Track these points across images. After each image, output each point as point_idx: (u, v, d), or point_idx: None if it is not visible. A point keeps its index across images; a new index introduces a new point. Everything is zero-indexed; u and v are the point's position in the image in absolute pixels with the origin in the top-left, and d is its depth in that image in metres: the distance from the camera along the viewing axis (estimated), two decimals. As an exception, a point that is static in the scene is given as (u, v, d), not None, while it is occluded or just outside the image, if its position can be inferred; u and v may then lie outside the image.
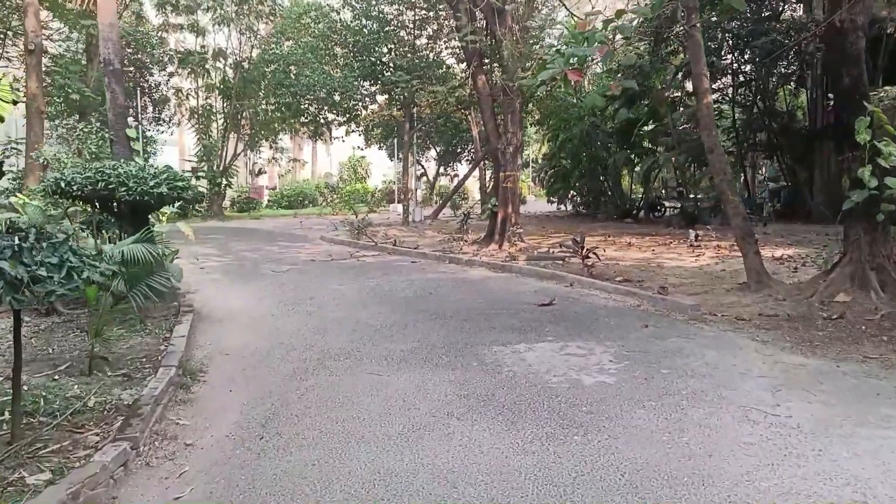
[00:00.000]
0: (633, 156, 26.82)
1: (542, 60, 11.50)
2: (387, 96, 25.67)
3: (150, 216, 10.01)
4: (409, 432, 4.98)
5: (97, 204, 8.94)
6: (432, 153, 53.79)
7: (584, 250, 12.22)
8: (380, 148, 50.41)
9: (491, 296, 10.63)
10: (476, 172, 37.63)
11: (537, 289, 11.13)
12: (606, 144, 28.55)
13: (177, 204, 11.34)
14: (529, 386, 6.00)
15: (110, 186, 8.19)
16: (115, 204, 8.84)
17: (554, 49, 9.32)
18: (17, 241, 4.44)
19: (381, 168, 57.29)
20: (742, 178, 26.67)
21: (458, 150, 50.14)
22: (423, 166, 53.48)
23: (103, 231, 10.63)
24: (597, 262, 12.27)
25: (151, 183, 8.60)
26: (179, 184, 8.80)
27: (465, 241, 19.08)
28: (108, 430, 4.93)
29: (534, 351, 7.19)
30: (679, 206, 26.37)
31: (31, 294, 4.37)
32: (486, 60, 18.27)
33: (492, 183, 32.86)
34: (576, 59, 8.44)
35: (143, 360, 6.84)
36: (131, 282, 6.91)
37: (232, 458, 4.62)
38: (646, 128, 26.46)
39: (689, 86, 26.78)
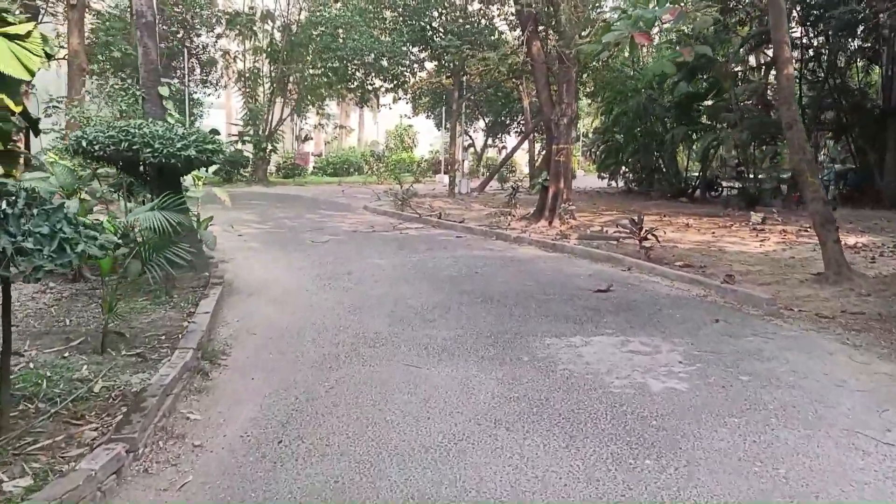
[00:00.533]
0: (691, 132, 25.48)
1: (604, 23, 10.58)
2: (436, 63, 24.76)
3: (181, 180, 9.41)
4: (449, 444, 4.27)
5: (122, 165, 8.34)
6: (480, 124, 52.78)
7: (643, 231, 11.32)
8: (427, 117, 49.56)
9: (542, 278, 9.82)
10: (525, 145, 36.55)
11: (592, 272, 10.28)
12: (663, 119, 27.24)
13: (212, 168, 10.79)
14: (588, 390, 5.24)
15: (134, 147, 7.57)
16: (141, 166, 8.24)
17: (619, 11, 8.36)
18: (3, 207, 3.82)
19: (427, 138, 56.49)
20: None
21: (507, 122, 49.01)
22: (470, 137, 52.45)
23: (134, 194, 10.12)
24: (655, 245, 11.36)
25: (179, 145, 7.96)
26: (209, 146, 8.16)
27: (514, 216, 18.27)
28: (108, 422, 4.32)
29: (591, 345, 6.41)
30: (738, 186, 25.09)
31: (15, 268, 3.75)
32: (542, 27, 17.24)
33: (542, 156, 31.85)
34: (644, 20, 7.57)
35: (163, 337, 6.25)
36: (150, 252, 6.30)
37: (243, 467, 3.97)
38: (706, 102, 25.12)
39: (752, 60, 25.44)
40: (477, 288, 8.96)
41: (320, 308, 7.89)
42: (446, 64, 24.76)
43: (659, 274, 10.10)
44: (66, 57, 18.59)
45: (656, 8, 7.81)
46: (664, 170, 30.17)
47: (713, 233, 15.28)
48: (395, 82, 23.90)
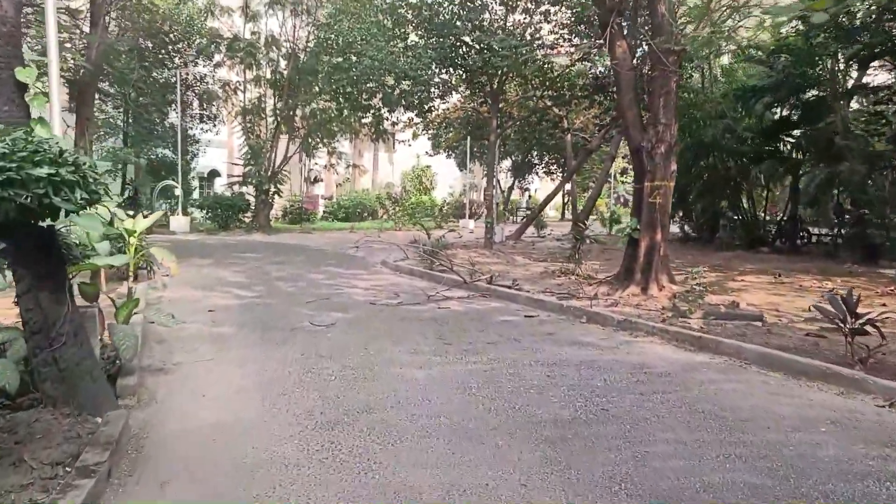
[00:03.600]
0: (778, 167, 21.01)
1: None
2: (466, 87, 20.63)
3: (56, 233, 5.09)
4: None
5: None
6: (505, 163, 48.66)
7: (855, 321, 6.77)
8: (448, 156, 45.56)
9: (751, 433, 5.01)
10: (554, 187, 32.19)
11: (833, 417, 5.51)
12: (739, 152, 22.82)
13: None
14: None
15: None
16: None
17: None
18: None
19: (446, 179, 52.45)
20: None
21: (535, 162, 44.91)
22: (496, 178, 48.26)
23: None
24: (884, 344, 6.81)
25: (38, 172, 3.69)
26: (63, 171, 3.80)
27: (581, 276, 13.86)
28: None
29: None
30: (835, 233, 20.62)
31: None
32: (623, 24, 13.02)
33: (584, 198, 27.20)
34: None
35: None
36: None
37: None
38: (794, 131, 20.81)
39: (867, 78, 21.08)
40: (648, 477, 4.36)
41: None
42: (479, 87, 20.60)
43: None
44: None
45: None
46: (732, 214, 25.75)
47: (875, 302, 10.75)
48: (419, 110, 19.82)
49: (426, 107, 19.71)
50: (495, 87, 19.53)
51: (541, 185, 67.45)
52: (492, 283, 12.08)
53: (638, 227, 12.11)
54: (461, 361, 6.96)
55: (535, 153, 41.19)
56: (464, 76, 20.04)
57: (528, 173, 46.77)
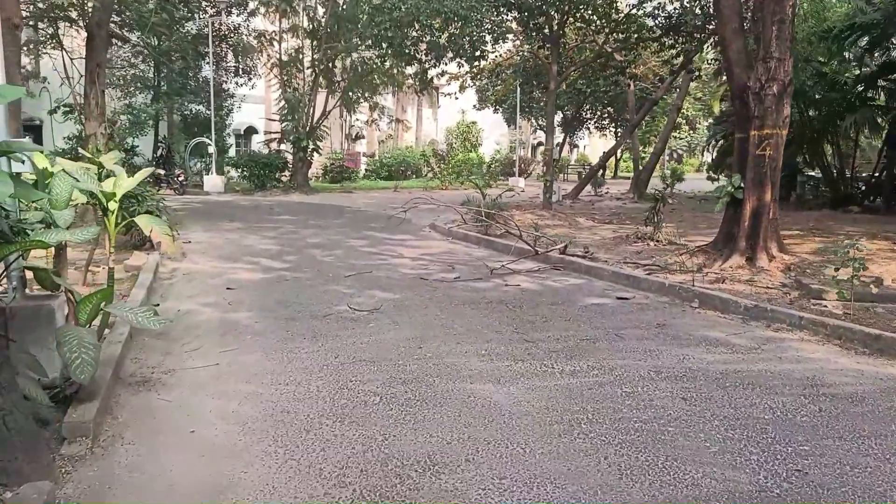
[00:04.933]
0: (878, 116, 18.34)
1: None
2: (522, 29, 18.33)
3: None
4: None
5: None
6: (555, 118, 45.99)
7: None
8: (495, 111, 43.13)
9: None
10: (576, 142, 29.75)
11: None
12: (827, 100, 20.17)
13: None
14: None
15: None
16: None
17: None
18: None
19: (491, 135, 50.05)
20: None
21: (587, 116, 42.25)
22: (545, 132, 45.56)
23: None
24: None
25: None
26: None
27: (671, 245, 11.83)
28: None
29: None
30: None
31: None
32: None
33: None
34: None
35: None
36: None
37: None
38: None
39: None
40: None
41: None
42: (536, 31, 18.32)
43: None
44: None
45: None
46: (812, 170, 23.24)
47: None
48: (469, 56, 17.58)
49: (477, 52, 17.56)
50: (554, 29, 17.25)
51: (589, 142, 64.49)
52: (566, 253, 10.06)
53: (742, 184, 9.99)
54: (552, 372, 5.04)
55: (588, 107, 38.50)
56: (519, 17, 17.78)
57: (579, 129, 44.11)
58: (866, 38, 17.47)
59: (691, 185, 34.14)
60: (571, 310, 7.06)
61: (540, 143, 58.19)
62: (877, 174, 21.90)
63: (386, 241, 12.69)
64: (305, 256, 10.80)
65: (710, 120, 36.29)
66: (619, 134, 44.32)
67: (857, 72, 18.62)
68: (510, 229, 11.32)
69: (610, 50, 18.62)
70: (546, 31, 17.78)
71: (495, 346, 5.68)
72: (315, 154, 28.72)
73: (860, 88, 18.82)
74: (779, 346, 5.73)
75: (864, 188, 21.69)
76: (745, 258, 9.54)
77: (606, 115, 41.80)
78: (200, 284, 8.57)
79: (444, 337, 6.00)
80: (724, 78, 25.24)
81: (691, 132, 54.15)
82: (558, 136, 47.88)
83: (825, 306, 7.21)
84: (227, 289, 8.26)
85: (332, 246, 11.94)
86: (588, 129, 44.46)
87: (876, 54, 19.01)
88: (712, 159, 29.45)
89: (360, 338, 5.99)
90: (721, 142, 26.16)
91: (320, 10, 26.66)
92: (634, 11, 18.08)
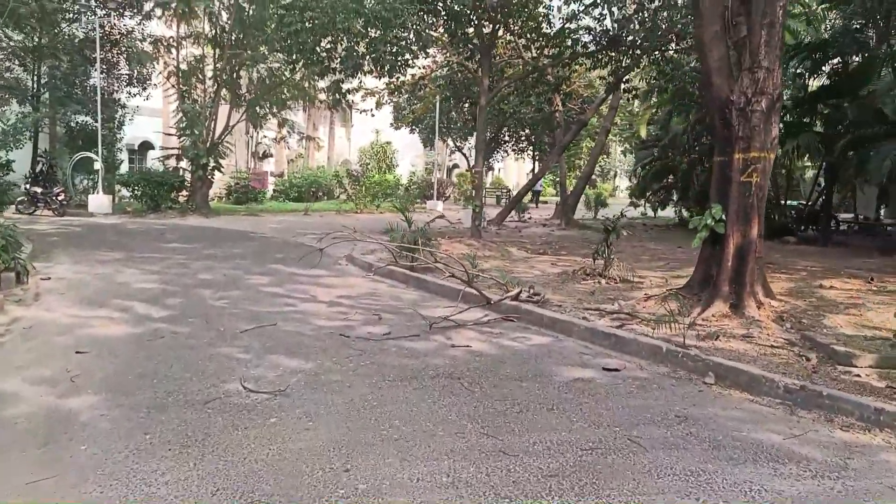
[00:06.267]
0: (820, 141, 17.49)
1: None
2: (448, 38, 16.60)
3: None
4: None
5: None
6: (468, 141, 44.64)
7: None
8: (412, 131, 41.48)
9: None
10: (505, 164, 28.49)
11: None
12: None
13: None
14: None
15: None
16: None
17: None
18: None
19: (406, 156, 48.34)
20: None
21: (505, 139, 41.08)
22: (464, 155, 44.10)
23: None
24: None
25: None
26: None
27: (626, 283, 10.32)
28: None
29: None
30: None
31: None
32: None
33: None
34: None
35: None
36: None
37: None
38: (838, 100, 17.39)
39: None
40: None
41: None
42: (464, 41, 16.67)
43: None
44: None
45: None
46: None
47: None
48: (390, 66, 15.64)
49: (399, 62, 15.72)
50: (486, 39, 15.63)
51: (503, 165, 63.69)
52: (519, 300, 8.25)
53: (720, 217, 8.50)
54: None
55: (507, 129, 37.29)
56: (447, 25, 16.09)
57: (497, 150, 42.94)
58: (809, 62, 16.68)
59: (613, 210, 33.37)
60: (550, 390, 5.23)
61: (455, 166, 56.88)
62: (808, 203, 21.34)
63: (295, 278, 10.61)
64: (192, 299, 8.62)
65: (634, 143, 35.71)
66: (537, 157, 43.44)
67: (800, 94, 17.81)
68: (448, 267, 9.43)
69: (543, 65, 17.15)
70: (476, 41, 16.15)
71: (460, 466, 3.77)
72: (217, 172, 26.16)
73: (798, 112, 18.04)
74: (872, 464, 4.01)
75: (795, 217, 21.07)
76: (729, 305, 8.02)
77: (524, 137, 40.80)
78: (42, 345, 6.33)
79: (381, 445, 4.06)
80: (654, 100, 24.57)
81: (604, 156, 54.10)
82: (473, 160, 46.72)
83: (858, 375, 5.69)
84: (77, 352, 6.07)
85: (228, 284, 9.78)
86: (506, 151, 43.30)
87: (814, 78, 18.33)
88: (637, 183, 28.63)
89: (256, 448, 3.98)
90: (648, 165, 25.29)
91: (224, 16, 24.31)
92: (568, 25, 16.68)
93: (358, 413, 4.61)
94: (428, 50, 16.92)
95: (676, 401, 5.01)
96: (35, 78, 26.10)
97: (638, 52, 15.95)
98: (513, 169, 65.42)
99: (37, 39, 22.36)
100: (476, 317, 7.72)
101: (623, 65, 17.14)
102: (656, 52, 15.85)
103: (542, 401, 4.93)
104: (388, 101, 28.30)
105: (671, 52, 15.62)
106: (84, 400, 4.82)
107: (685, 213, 25.20)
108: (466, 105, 26.16)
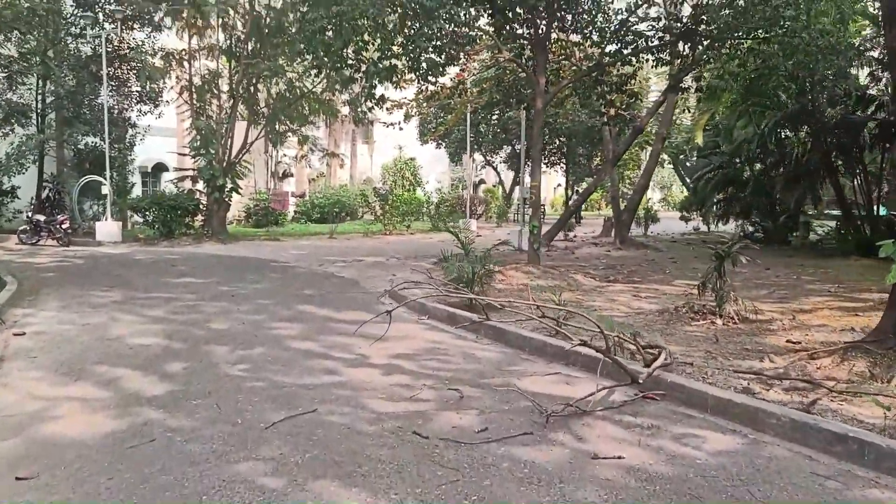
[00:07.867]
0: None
1: None
2: (495, 32, 14.40)
3: None
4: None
5: None
6: (498, 154, 42.47)
7: None
8: (438, 146, 39.39)
9: None
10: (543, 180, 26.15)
11: None
12: (847, 124, 17.11)
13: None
14: None
15: None
16: None
17: None
18: None
19: (431, 173, 46.26)
20: None
21: (550, 151, 38.69)
22: (495, 169, 41.95)
23: None
24: None
25: None
26: None
27: (760, 326, 8.05)
28: None
29: None
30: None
31: None
32: None
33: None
34: None
35: None
36: None
37: None
38: None
39: None
40: None
41: None
42: (515, 37, 14.52)
43: None
44: None
45: None
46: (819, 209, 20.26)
47: None
48: (432, 66, 13.47)
49: (441, 62, 13.55)
50: (541, 31, 13.44)
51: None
52: (662, 368, 5.88)
53: (914, 242, 6.18)
54: None
55: (546, 139, 35.11)
56: (495, 20, 13.93)
57: (526, 163, 40.71)
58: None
59: (665, 226, 30.96)
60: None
61: (482, 181, 54.62)
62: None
63: (331, 327, 8.40)
64: (201, 364, 6.44)
65: (679, 151, 33.41)
66: (570, 170, 41.13)
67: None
68: (529, 309, 7.17)
69: (605, 63, 14.94)
70: (530, 33, 13.97)
71: None
72: (234, 194, 24.16)
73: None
74: None
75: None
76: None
77: (555, 148, 38.57)
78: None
79: None
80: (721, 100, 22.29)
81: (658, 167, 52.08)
82: (507, 173, 44.38)
83: None
84: (18, 479, 3.90)
85: (248, 339, 7.58)
86: (548, 164, 41.06)
87: None
88: (694, 194, 26.29)
89: None
90: (709, 175, 22.97)
91: (239, 25, 22.38)
92: (631, 18, 14.50)
93: None
94: (468, 47, 14.71)
95: None
96: (40, 97, 24.31)
97: (717, 43, 13.67)
98: (546, 183, 63.15)
99: (38, 57, 20.52)
100: (599, 394, 5.40)
101: (692, 60, 14.90)
102: (742, 43, 13.54)
103: None
104: (417, 112, 26.17)
105: (759, 43, 13.32)
106: None
107: (749, 228, 22.83)
108: (514, 110, 23.90)
